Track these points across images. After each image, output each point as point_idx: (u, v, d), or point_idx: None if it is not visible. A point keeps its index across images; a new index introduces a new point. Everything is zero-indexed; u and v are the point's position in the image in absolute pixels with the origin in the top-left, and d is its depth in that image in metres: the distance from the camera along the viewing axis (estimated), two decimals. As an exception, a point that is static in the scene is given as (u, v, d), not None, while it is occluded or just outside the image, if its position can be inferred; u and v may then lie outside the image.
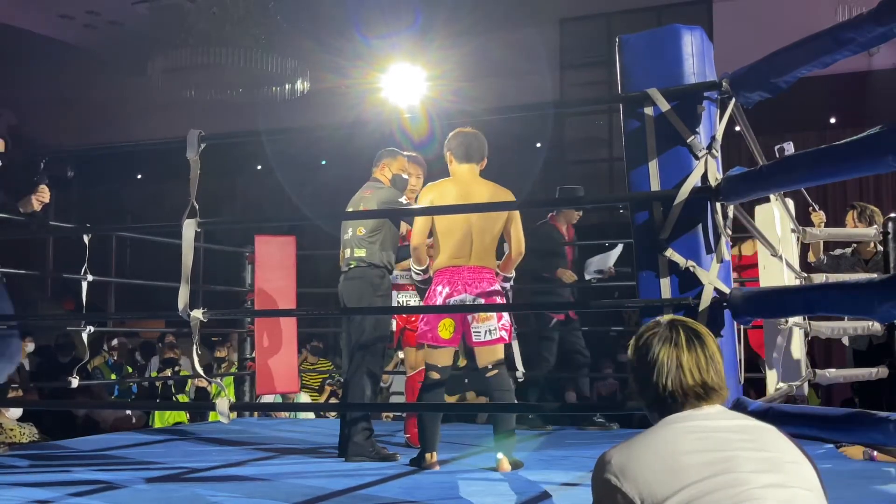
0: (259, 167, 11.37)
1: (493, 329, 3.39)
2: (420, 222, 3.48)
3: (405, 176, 4.03)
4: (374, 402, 3.83)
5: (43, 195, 3.64)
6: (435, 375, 3.45)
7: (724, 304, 2.14)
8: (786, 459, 1.36)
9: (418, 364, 4.04)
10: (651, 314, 2.18)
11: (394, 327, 4.20)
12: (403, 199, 3.88)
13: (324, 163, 10.86)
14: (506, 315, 3.44)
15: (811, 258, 4.40)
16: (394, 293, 4.16)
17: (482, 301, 3.35)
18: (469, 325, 3.41)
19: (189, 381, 7.06)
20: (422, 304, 3.86)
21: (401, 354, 6.48)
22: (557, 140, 9.67)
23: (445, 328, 3.40)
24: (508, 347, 3.71)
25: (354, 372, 3.77)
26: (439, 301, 3.36)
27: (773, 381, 2.74)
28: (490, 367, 3.43)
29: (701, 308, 2.13)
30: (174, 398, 6.92)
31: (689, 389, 1.42)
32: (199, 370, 2.80)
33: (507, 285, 3.64)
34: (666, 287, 2.19)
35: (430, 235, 3.55)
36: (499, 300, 3.41)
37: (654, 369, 1.44)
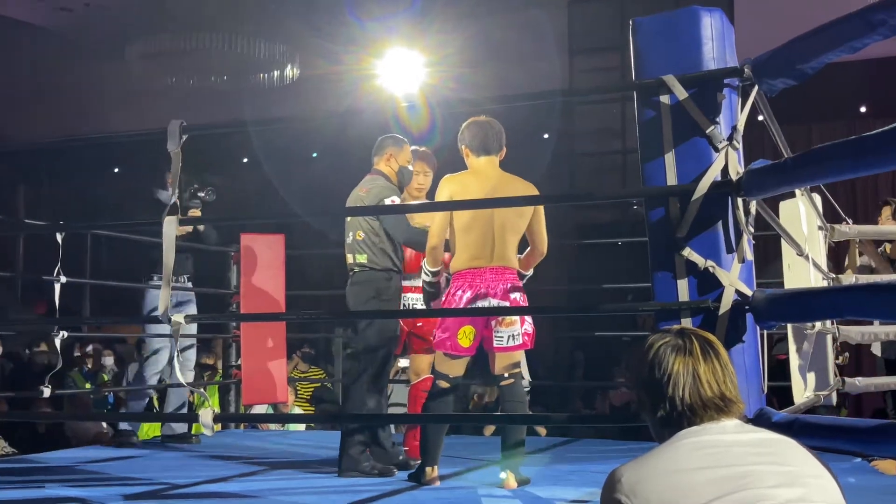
0: (245, 160, 11.37)
1: (516, 334, 3.39)
2: (439, 220, 3.45)
3: (410, 167, 4.00)
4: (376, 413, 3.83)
5: None
6: (444, 384, 3.45)
7: (747, 307, 2.14)
8: (807, 473, 1.36)
9: (423, 372, 4.05)
10: (667, 318, 2.18)
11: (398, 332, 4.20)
12: (397, 199, 3.81)
13: (315, 155, 10.85)
14: (528, 319, 3.44)
15: (851, 263, 4.15)
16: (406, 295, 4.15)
17: (507, 304, 3.36)
18: (491, 330, 3.40)
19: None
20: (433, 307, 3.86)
21: (402, 362, 6.48)
22: (566, 131, 9.67)
23: (466, 336, 3.38)
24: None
25: (354, 381, 3.77)
26: (461, 306, 3.35)
27: (799, 391, 2.74)
28: (506, 374, 3.43)
29: (721, 311, 2.13)
30: (154, 409, 6.92)
31: (707, 402, 1.42)
32: (181, 378, 2.81)
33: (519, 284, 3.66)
34: (683, 289, 2.20)
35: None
36: (522, 303, 3.42)
37: (668, 382, 1.44)
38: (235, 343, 5.59)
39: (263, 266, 5.03)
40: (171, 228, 2.68)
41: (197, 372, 5.65)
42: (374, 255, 3.80)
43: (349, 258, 3.89)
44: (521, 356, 3.52)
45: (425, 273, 3.60)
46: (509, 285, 3.39)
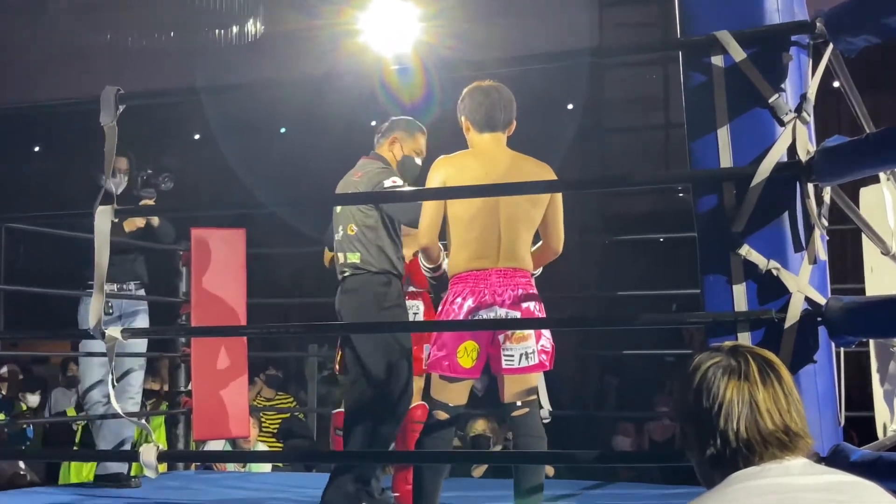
0: (197, 136, 11.38)
1: (530, 352, 3.32)
2: (430, 211, 3.42)
3: (418, 160, 4.06)
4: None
5: None
6: (442, 416, 3.39)
7: (819, 318, 2.14)
8: (893, 525, 1.36)
9: (415, 398, 4.08)
10: (720, 332, 2.18)
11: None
12: (399, 181, 3.84)
13: (283, 130, 10.86)
14: (546, 333, 3.39)
15: None
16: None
17: (518, 315, 3.29)
18: (498, 347, 3.33)
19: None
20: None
21: None
22: (595, 100, 9.67)
23: (467, 354, 3.32)
24: None
25: (360, 418, 3.77)
26: (461, 318, 3.31)
27: (884, 422, 2.73)
28: (519, 403, 3.38)
29: (787, 324, 2.13)
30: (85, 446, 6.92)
31: (768, 436, 1.42)
32: (116, 407, 2.81)
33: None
34: (741, 296, 2.19)
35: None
36: (538, 314, 3.37)
37: (719, 412, 1.44)
38: (185, 364, 5.59)
39: (219, 267, 5.02)
40: (104, 221, 2.68)
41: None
42: (368, 254, 3.82)
43: (340, 258, 3.91)
44: (537, 380, 3.47)
45: (424, 268, 3.63)
46: (520, 291, 3.34)
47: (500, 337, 3.32)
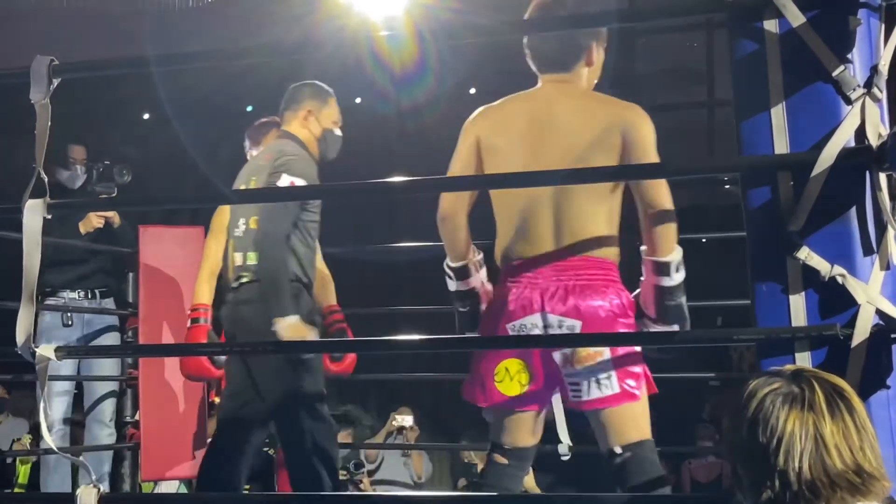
0: (146, 115, 11.38)
1: (603, 377, 2.92)
2: (458, 167, 3.14)
3: (338, 132, 4.04)
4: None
5: None
6: (500, 460, 3.10)
7: (893, 335, 2.14)
8: None
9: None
10: (775, 352, 2.18)
11: None
12: (297, 181, 3.75)
13: (250, 109, 10.85)
14: (635, 348, 2.99)
15: None
16: None
17: (576, 325, 2.92)
18: (559, 369, 2.97)
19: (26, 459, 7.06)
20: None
21: (403, 419, 6.53)
22: (624, 73, 9.65)
23: (510, 376, 2.98)
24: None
25: (299, 454, 3.76)
26: (496, 326, 3.01)
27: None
28: (618, 449, 2.98)
29: (855, 342, 2.12)
30: (13, 487, 6.93)
31: (836, 477, 1.42)
32: (48, 440, 2.80)
33: (671, 283, 3.01)
34: (799, 308, 2.19)
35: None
36: (630, 327, 2.98)
37: (778, 448, 1.44)
38: (132, 389, 5.59)
39: (173, 274, 5.03)
40: (34, 218, 2.67)
41: (71, 431, 5.70)
42: (274, 255, 3.72)
43: (236, 259, 3.87)
44: (634, 414, 3.00)
45: (448, 276, 3.28)
46: (591, 290, 2.94)
47: (557, 356, 2.96)
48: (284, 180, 3.73)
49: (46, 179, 2.67)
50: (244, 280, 3.82)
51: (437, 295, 3.75)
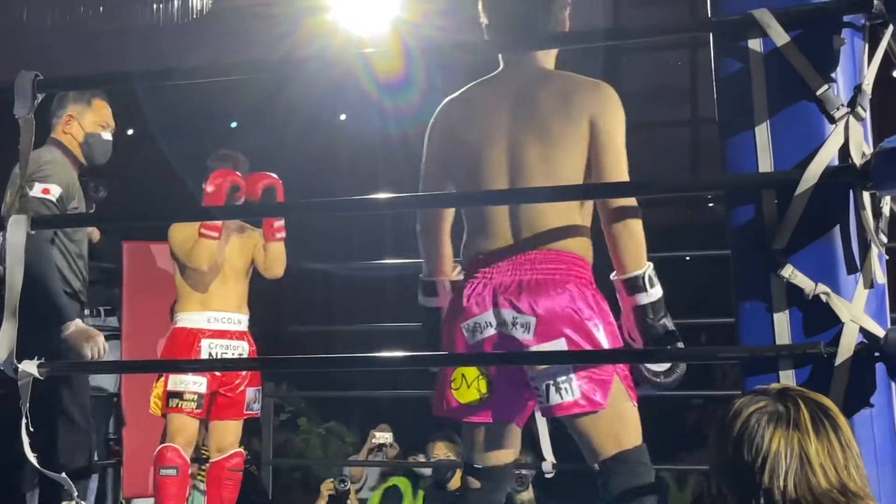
0: (130, 131, 11.34)
1: (562, 382, 2.67)
2: (433, 168, 2.95)
3: (107, 136, 3.99)
4: None
5: None
6: (474, 484, 2.88)
7: (877, 353, 2.14)
8: None
9: (229, 445, 4.47)
10: (759, 370, 2.18)
11: (200, 388, 4.38)
12: (53, 188, 3.72)
13: (234, 125, 10.85)
14: (604, 341, 2.73)
15: None
16: (207, 342, 4.41)
17: (532, 323, 2.68)
18: (527, 378, 2.73)
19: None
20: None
21: (382, 436, 6.54)
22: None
23: (466, 382, 2.75)
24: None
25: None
26: (452, 328, 2.81)
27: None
28: (596, 466, 2.75)
29: (839, 360, 2.12)
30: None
31: (821, 496, 1.43)
32: (32, 458, 2.78)
33: (649, 300, 2.77)
34: (783, 326, 2.20)
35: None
36: (588, 322, 2.72)
37: (763, 467, 1.44)
38: (114, 405, 5.57)
39: (156, 289, 5.01)
40: (18, 233, 2.66)
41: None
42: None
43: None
44: (616, 422, 2.75)
45: (424, 292, 3.09)
46: (553, 284, 2.71)
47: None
48: (36, 189, 3.68)
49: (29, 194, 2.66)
50: None
51: (420, 312, 3.74)
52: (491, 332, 2.75)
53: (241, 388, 4.57)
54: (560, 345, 2.68)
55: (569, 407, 2.68)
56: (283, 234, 4.57)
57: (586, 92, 2.82)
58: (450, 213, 3.02)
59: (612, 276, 2.82)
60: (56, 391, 3.75)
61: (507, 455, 2.91)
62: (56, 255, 3.81)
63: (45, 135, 3.86)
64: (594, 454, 2.74)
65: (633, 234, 2.77)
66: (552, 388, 2.67)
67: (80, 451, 3.86)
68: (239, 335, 4.60)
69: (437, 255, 3.02)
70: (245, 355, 4.56)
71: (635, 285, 2.76)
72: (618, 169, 2.79)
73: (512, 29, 2.93)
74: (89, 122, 3.94)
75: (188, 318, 4.52)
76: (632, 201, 2.79)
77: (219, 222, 4.27)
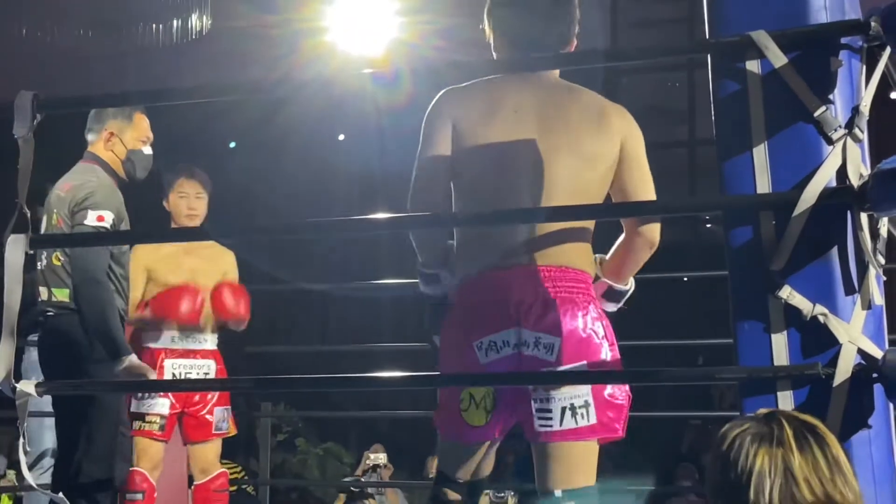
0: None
1: (579, 404, 2.58)
2: (425, 163, 2.79)
3: (148, 150, 3.98)
4: None
5: None
6: (451, 496, 2.78)
7: (875, 374, 2.14)
8: None
9: (212, 467, 4.43)
10: (757, 391, 2.18)
11: (162, 410, 4.37)
12: (106, 215, 3.73)
13: (232, 145, 10.87)
14: (613, 365, 2.68)
15: None
16: (170, 363, 4.40)
17: (555, 341, 2.58)
18: (529, 396, 2.62)
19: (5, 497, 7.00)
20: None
21: (377, 457, 6.53)
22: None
23: (475, 403, 2.64)
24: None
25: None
26: (462, 347, 2.66)
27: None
28: (558, 493, 2.62)
29: (837, 381, 2.12)
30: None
31: (806, 509, 1.42)
32: (30, 479, 2.77)
33: (614, 308, 2.88)
34: (781, 347, 2.19)
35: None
36: (602, 344, 2.65)
37: (749, 483, 1.45)
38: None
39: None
40: (17, 253, 2.66)
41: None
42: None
43: (42, 293, 3.83)
44: (590, 454, 2.68)
45: (425, 279, 2.91)
46: (570, 304, 2.62)
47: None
48: (91, 217, 3.69)
49: (29, 214, 2.66)
50: (50, 313, 3.79)
51: (418, 332, 3.74)
52: (508, 351, 2.62)
53: (208, 407, 4.55)
54: (582, 368, 2.60)
55: (579, 432, 2.59)
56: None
57: (616, 114, 2.80)
58: (450, 192, 2.83)
59: (601, 273, 2.85)
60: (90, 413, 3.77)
61: (489, 467, 2.85)
62: (112, 282, 3.78)
63: (60, 149, 3.84)
64: (559, 482, 2.62)
65: (645, 258, 2.83)
66: (568, 414, 2.57)
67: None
68: (204, 354, 4.57)
69: (436, 246, 2.86)
70: (211, 375, 4.55)
71: (619, 293, 2.88)
72: (647, 194, 2.79)
73: (522, 46, 2.85)
74: (130, 138, 3.90)
75: (151, 337, 4.51)
76: (654, 236, 2.79)
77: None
